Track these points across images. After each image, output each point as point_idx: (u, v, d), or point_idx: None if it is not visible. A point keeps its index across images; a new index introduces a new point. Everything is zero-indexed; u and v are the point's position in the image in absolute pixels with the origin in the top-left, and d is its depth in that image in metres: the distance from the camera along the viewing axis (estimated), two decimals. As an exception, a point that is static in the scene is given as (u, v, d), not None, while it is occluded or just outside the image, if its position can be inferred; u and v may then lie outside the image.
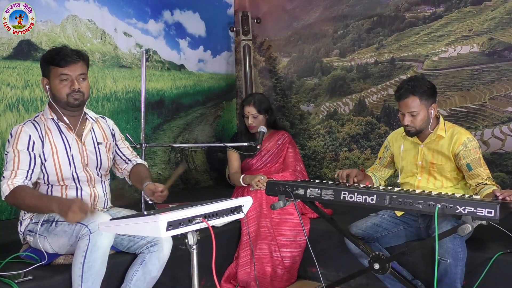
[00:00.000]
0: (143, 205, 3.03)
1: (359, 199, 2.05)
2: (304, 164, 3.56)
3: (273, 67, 4.80)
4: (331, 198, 2.11)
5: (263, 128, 3.15)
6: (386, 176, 2.74)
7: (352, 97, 4.29)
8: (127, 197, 3.87)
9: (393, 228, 2.49)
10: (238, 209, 1.81)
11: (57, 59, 2.06)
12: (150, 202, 2.27)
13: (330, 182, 2.29)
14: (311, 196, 2.20)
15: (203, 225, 1.65)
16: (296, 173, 3.30)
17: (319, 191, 2.17)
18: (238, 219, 1.75)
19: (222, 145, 3.26)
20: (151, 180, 2.27)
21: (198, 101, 4.67)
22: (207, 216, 1.68)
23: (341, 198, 2.10)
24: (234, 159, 3.35)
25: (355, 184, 2.30)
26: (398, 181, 2.60)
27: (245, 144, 3.13)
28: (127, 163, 2.42)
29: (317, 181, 2.35)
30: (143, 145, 3.00)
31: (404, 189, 2.26)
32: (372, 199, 2.02)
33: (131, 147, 2.53)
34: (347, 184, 2.35)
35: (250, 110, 3.23)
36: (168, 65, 4.36)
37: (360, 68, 4.23)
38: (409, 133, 2.47)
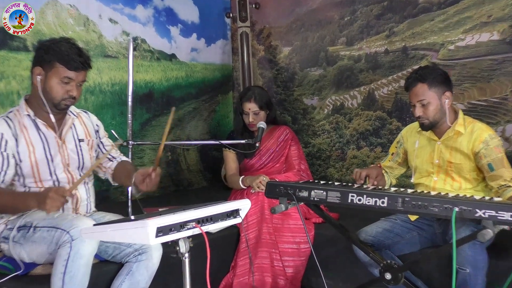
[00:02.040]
0: (130, 209, 3.03)
1: (368, 202, 2.04)
2: (307, 163, 3.56)
3: (273, 57, 4.79)
4: (337, 201, 2.10)
5: (262, 124, 3.15)
6: (398, 175, 2.74)
7: (361, 89, 4.28)
8: (112, 200, 3.88)
9: (406, 234, 2.47)
10: (235, 213, 1.79)
11: (67, 59, 2.05)
12: (138, 192, 2.24)
13: (336, 183, 2.27)
14: (315, 199, 2.18)
15: (196, 231, 1.63)
16: (300, 173, 3.30)
17: (325, 193, 2.15)
18: (235, 224, 1.73)
19: (217, 143, 3.25)
20: None
21: (190, 94, 4.67)
22: (201, 221, 1.66)
23: (349, 201, 2.08)
24: (231, 160, 3.35)
25: (373, 186, 2.28)
26: (412, 181, 2.59)
27: (243, 141, 3.12)
28: (112, 161, 2.40)
29: (322, 182, 2.33)
30: (130, 142, 2.99)
31: (418, 191, 2.25)
32: (383, 202, 2.00)
33: (118, 145, 2.52)
34: (366, 187, 2.33)
35: (251, 106, 3.22)
36: (158, 55, 4.35)
37: (369, 57, 4.23)
38: (423, 126, 2.46)
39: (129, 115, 3.13)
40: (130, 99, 3.12)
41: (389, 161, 2.73)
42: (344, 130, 4.39)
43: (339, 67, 4.41)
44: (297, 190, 2.22)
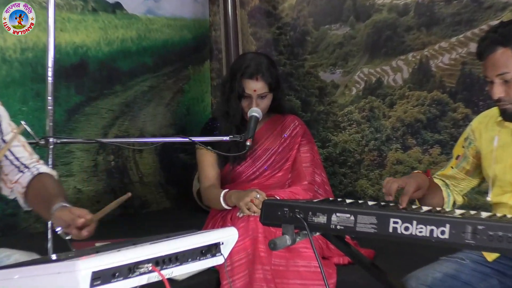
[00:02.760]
0: (50, 244, 3.01)
1: (420, 232, 2.03)
2: (326, 172, 3.56)
3: (273, 8, 4.79)
4: (372, 230, 2.09)
5: (255, 112, 3.16)
6: (466, 189, 2.73)
7: (408, 58, 4.29)
8: (23, 230, 3.85)
9: (480, 283, 2.47)
10: (214, 249, 1.79)
11: None
12: (66, 237, 2.25)
13: (370, 203, 2.27)
14: (338, 227, 2.17)
15: (153, 277, 1.63)
16: (314, 188, 3.32)
17: (353, 217, 2.14)
18: (214, 266, 1.72)
19: (186, 139, 3.24)
20: (66, 202, 2.25)
21: (145, 65, 4.68)
22: (161, 262, 1.65)
23: (390, 230, 2.07)
24: (208, 164, 3.35)
25: (427, 208, 2.28)
26: (488, 199, 2.59)
27: (226, 138, 3.12)
28: (22, 172, 2.39)
29: (348, 200, 2.33)
30: (51, 140, 2.97)
31: (499, 215, 2.24)
32: (443, 232, 2.00)
33: (30, 145, 2.51)
34: (399, 206, 2.34)
35: (258, 86, 3.26)
36: (94, 4, 4.35)
37: (421, 8, 4.23)
38: (505, 114, 2.45)
39: (49, 98, 3.11)
40: (50, 73, 3.10)
41: (452, 168, 2.72)
42: (383, 120, 4.39)
43: (374, 24, 4.41)
44: (310, 213, 2.22)
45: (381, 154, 4.41)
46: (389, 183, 2.43)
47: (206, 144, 3.25)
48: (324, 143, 4.58)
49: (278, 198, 3.03)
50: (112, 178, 4.48)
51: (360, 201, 2.31)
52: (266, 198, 3.01)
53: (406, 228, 2.06)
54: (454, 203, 2.73)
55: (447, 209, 2.37)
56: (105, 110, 4.44)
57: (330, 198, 2.77)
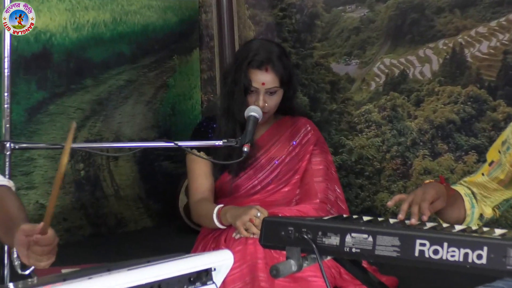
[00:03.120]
0: (6, 272, 3.02)
1: (452, 256, 2.04)
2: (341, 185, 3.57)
3: (276, -14, 4.84)
4: (395, 254, 2.10)
5: (254, 111, 3.15)
6: (498, 201, 2.71)
7: (438, 46, 4.31)
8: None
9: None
10: (204, 276, 1.80)
11: None
12: (25, 272, 2.24)
13: (392, 221, 2.29)
14: (353, 250, 2.18)
15: (131, 311, 1.64)
16: (326, 207, 3.33)
17: (371, 238, 2.16)
18: (204, 298, 1.72)
19: (171, 144, 3.24)
20: (27, 221, 2.24)
21: (121, 55, 4.68)
22: (141, 293, 1.67)
23: (416, 254, 2.08)
24: (200, 172, 3.36)
25: (445, 225, 2.30)
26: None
27: (219, 142, 3.11)
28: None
29: (366, 218, 2.34)
30: (7, 145, 2.97)
31: (546, 235, 2.26)
32: (479, 256, 2.01)
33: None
34: (447, 227, 2.34)
35: (267, 79, 3.24)
36: (59, -19, 4.37)
37: (454, -14, 4.27)
38: None
39: (5, 94, 3.13)
40: (6, 65, 3.12)
41: (483, 174, 2.70)
42: (408, 121, 4.40)
43: (397, 5, 4.42)
44: (320, 233, 2.23)
45: (406, 162, 4.41)
46: (397, 199, 2.45)
47: (197, 150, 3.25)
48: (336, 149, 4.59)
49: (280, 216, 3.02)
50: (82, 191, 4.48)
51: (380, 219, 2.32)
52: (267, 215, 3.02)
53: (435, 252, 2.07)
54: (481, 216, 2.73)
55: (472, 224, 2.38)
56: (73, 109, 4.43)
57: (344, 215, 2.77)
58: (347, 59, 4.60)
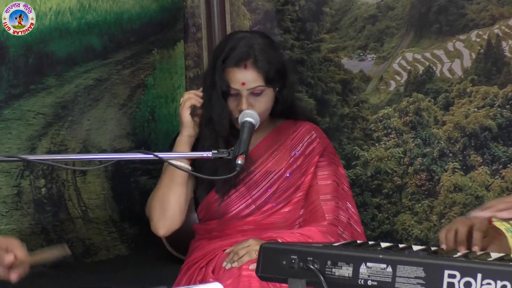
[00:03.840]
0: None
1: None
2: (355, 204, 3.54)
3: (275, -33, 4.81)
4: (419, 287, 2.11)
5: (249, 116, 3.14)
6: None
7: (471, 38, 4.30)
8: None
9: None
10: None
11: None
12: None
13: (416, 248, 2.29)
14: (369, 283, 2.19)
15: None
16: (337, 232, 3.32)
17: (390, 269, 2.16)
18: None
19: (150, 156, 3.24)
20: None
21: (90, 48, 4.66)
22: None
23: (444, 287, 2.09)
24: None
25: (479, 253, 2.29)
26: None
27: (208, 154, 3.11)
28: None
29: (384, 244, 2.34)
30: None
31: None
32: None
33: None
34: (481, 254, 2.34)
35: (248, 77, 3.23)
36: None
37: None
38: None
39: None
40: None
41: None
42: (435, 128, 4.40)
43: (421, -11, 4.44)
44: (330, 262, 2.23)
45: (432, 177, 4.41)
46: (445, 232, 2.44)
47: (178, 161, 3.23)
48: (349, 162, 4.58)
49: (280, 241, 3.02)
50: (43, 213, 4.45)
51: (401, 245, 2.32)
52: (264, 243, 3.02)
53: (467, 284, 2.07)
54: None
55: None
56: (33, 113, 4.41)
57: (359, 241, 2.77)
58: (361, 54, 4.59)
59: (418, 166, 4.44)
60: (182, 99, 3.29)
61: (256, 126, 3.16)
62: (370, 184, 4.57)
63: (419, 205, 4.44)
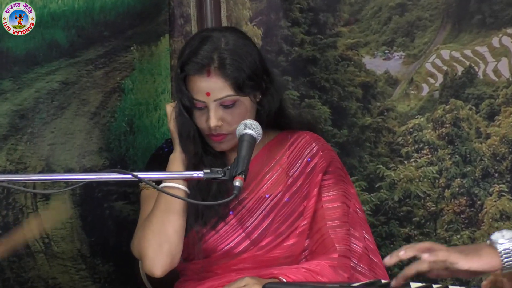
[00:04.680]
0: None
1: None
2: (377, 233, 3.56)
3: None
4: None
5: (250, 128, 3.14)
6: None
7: (521, 32, 4.30)
8: None
9: None
10: None
11: None
12: None
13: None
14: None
15: None
16: (349, 265, 3.34)
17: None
18: None
19: (128, 176, 3.26)
20: None
21: (54, 44, 4.65)
22: None
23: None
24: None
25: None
26: None
27: (199, 174, 3.12)
28: None
29: (414, 285, 2.37)
30: None
31: None
32: None
33: None
34: None
35: (211, 86, 3.30)
36: None
37: None
38: None
39: None
40: None
41: None
42: (477, 142, 4.41)
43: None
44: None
45: (474, 202, 4.41)
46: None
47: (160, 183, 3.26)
48: (372, 183, 4.59)
49: (285, 281, 3.05)
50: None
51: (435, 286, 2.34)
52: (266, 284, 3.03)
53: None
54: None
55: None
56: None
57: (383, 281, 2.79)
58: (386, 51, 4.59)
59: (457, 189, 4.44)
60: (167, 110, 3.31)
61: (258, 140, 3.16)
62: (397, 210, 4.57)
63: (458, 236, 4.44)
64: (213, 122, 3.23)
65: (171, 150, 3.46)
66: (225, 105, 3.26)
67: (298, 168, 3.37)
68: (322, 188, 3.36)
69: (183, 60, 3.31)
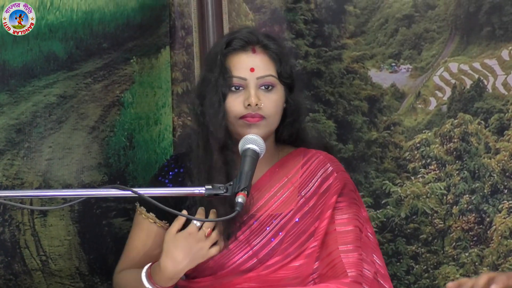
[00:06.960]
0: None
1: None
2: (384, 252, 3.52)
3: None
4: None
5: (252, 143, 3.15)
6: None
7: (531, 43, 4.28)
8: None
9: None
10: None
11: None
12: None
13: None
14: None
15: None
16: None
17: None
18: None
19: (128, 193, 3.24)
20: None
21: (52, 57, 4.62)
22: None
23: None
24: (144, 234, 3.55)
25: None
26: None
27: (201, 190, 3.09)
28: None
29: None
30: None
31: None
32: None
33: None
34: None
35: (256, 63, 3.34)
36: None
37: None
38: None
39: None
40: None
41: None
42: (486, 158, 4.39)
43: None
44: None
45: (482, 219, 4.39)
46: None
47: (160, 201, 3.23)
48: (378, 200, 4.56)
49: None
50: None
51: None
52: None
53: None
54: None
55: None
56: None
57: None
58: (393, 64, 4.57)
59: (465, 206, 4.42)
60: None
61: (261, 155, 3.15)
62: (404, 228, 4.55)
63: (466, 254, 4.42)
64: (254, 98, 3.22)
65: (175, 167, 3.42)
66: (265, 86, 3.26)
67: (311, 188, 3.36)
68: (335, 210, 3.34)
69: (227, 40, 3.30)
